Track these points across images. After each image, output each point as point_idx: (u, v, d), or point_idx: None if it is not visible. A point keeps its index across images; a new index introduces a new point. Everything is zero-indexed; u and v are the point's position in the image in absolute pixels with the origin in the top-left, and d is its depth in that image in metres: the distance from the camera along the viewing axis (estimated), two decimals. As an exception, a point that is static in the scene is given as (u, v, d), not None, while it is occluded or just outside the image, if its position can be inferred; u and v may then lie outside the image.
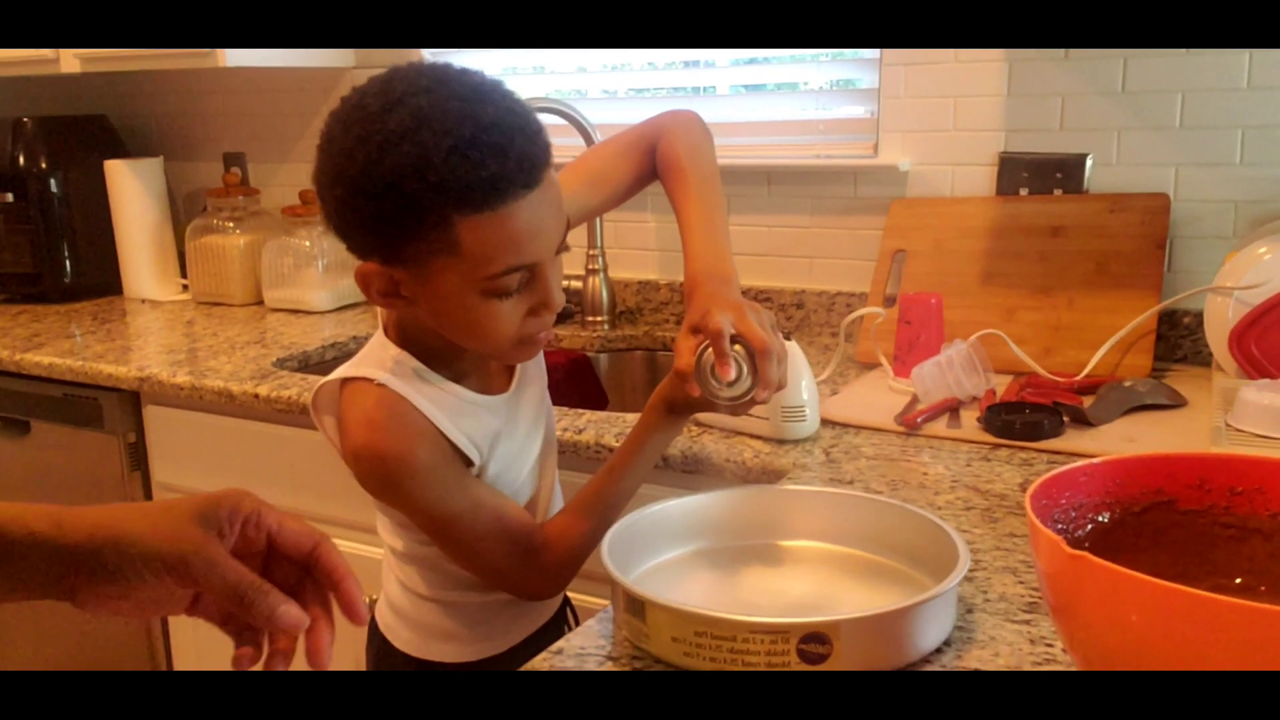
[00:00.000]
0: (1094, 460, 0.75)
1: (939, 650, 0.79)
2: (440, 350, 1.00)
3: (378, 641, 1.16)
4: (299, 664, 0.64)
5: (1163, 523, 0.76)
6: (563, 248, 0.96)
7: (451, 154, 0.84)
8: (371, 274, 0.93)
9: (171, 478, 1.82)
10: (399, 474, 0.96)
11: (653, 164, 1.21)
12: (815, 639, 0.73)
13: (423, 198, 0.85)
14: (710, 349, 0.94)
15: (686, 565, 0.95)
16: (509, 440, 1.05)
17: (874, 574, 0.92)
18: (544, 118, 0.95)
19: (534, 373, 1.12)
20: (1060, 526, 0.73)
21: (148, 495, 1.86)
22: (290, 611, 0.63)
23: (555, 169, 0.94)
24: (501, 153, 0.86)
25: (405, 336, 1.01)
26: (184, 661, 1.89)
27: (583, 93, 2.15)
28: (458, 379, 1.01)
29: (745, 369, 0.93)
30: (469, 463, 1.01)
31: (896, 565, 0.92)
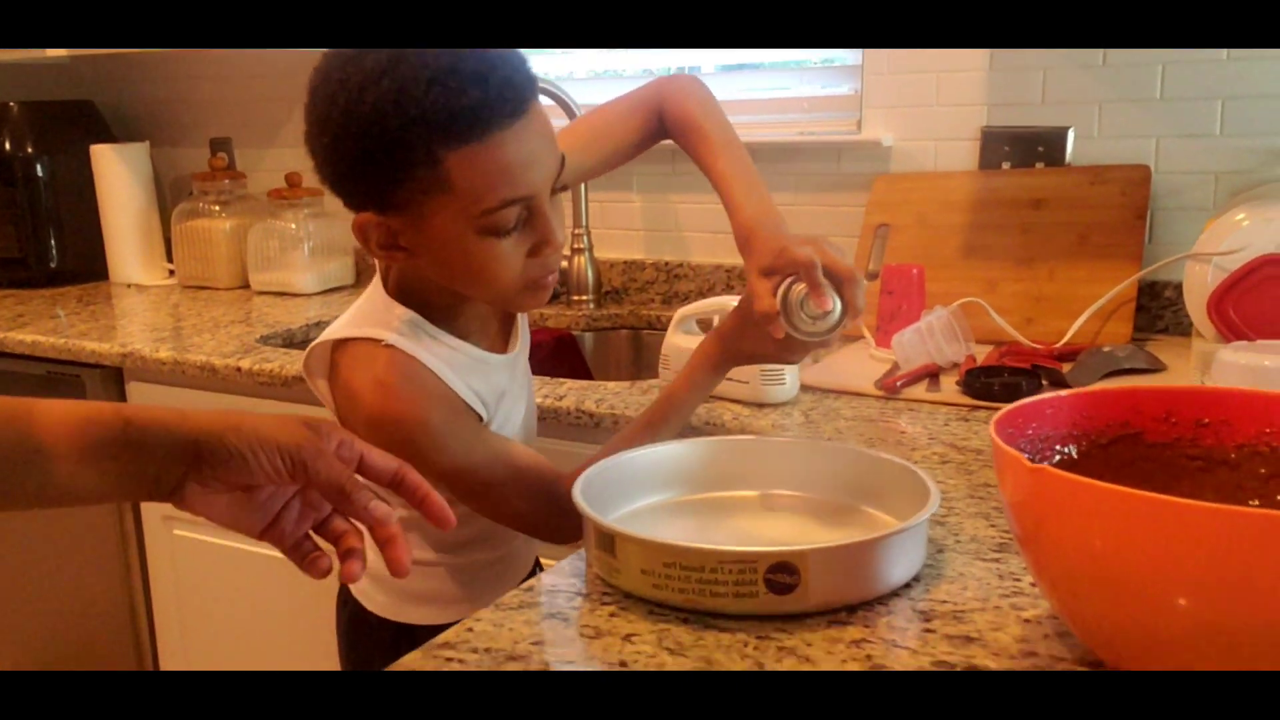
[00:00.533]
0: (1061, 393, 0.75)
1: (908, 585, 0.79)
2: (444, 306, 0.98)
3: (351, 607, 1.15)
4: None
5: (1130, 455, 0.76)
6: (560, 186, 0.94)
7: (431, 85, 0.82)
8: (369, 225, 0.91)
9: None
10: (419, 438, 0.94)
11: (659, 124, 1.19)
12: (783, 569, 0.73)
13: (406, 133, 0.83)
14: (794, 286, 0.94)
15: (660, 512, 0.94)
16: (512, 400, 1.06)
17: (848, 518, 0.91)
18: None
19: (525, 338, 1.12)
20: (1027, 458, 0.73)
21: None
22: (381, 506, 0.70)
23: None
24: (482, 80, 0.83)
25: (406, 292, 0.98)
26: (170, 662, 1.89)
27: (571, 74, 2.15)
28: (464, 337, 1.00)
29: (837, 299, 0.93)
30: (479, 419, 1.01)
31: (871, 510, 0.91)
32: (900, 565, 0.78)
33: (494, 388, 1.02)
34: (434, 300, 0.98)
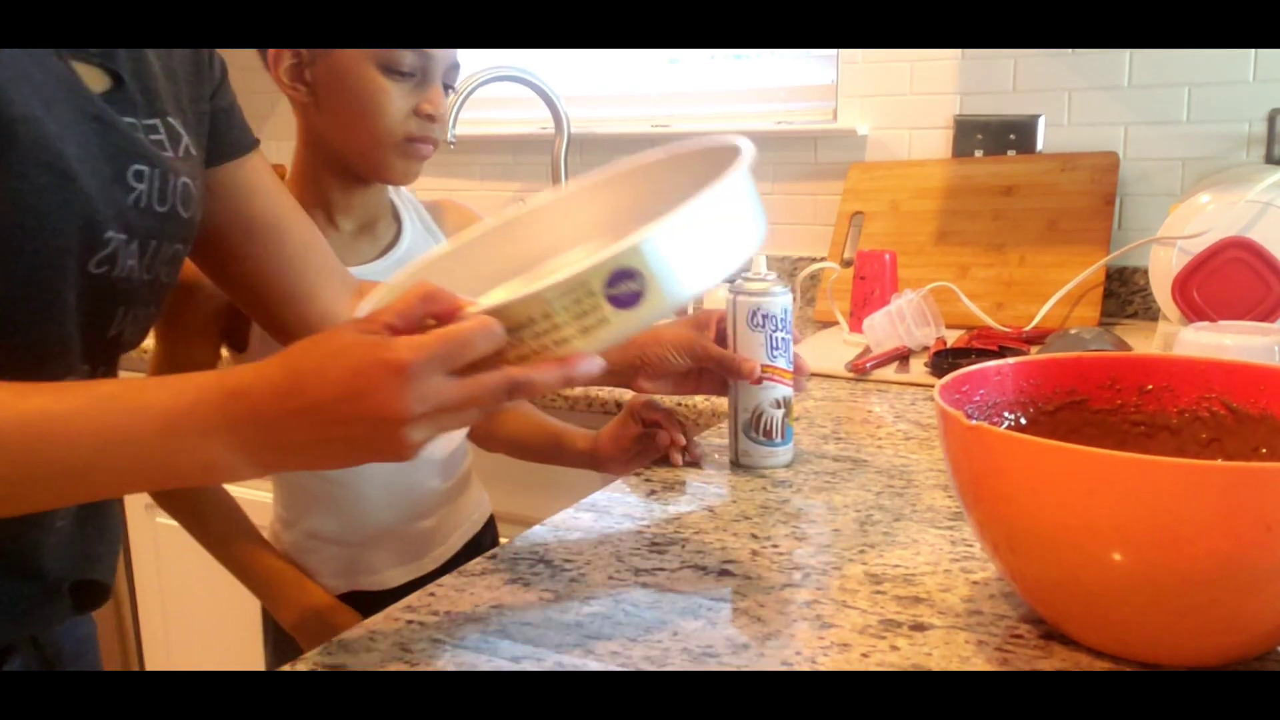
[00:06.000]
0: (1008, 361, 0.77)
1: (862, 551, 0.81)
2: (316, 209, 1.07)
3: None
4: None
5: (1076, 421, 0.78)
6: (450, 85, 1.06)
7: None
8: (283, 53, 1.02)
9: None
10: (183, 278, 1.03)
11: None
12: (622, 277, 0.60)
13: None
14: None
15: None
16: None
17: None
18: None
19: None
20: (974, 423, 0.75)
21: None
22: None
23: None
24: None
25: (302, 182, 1.09)
26: (155, 661, 1.90)
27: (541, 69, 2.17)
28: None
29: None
30: None
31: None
32: (747, 229, 0.66)
33: None
34: (325, 190, 1.08)
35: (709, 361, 0.98)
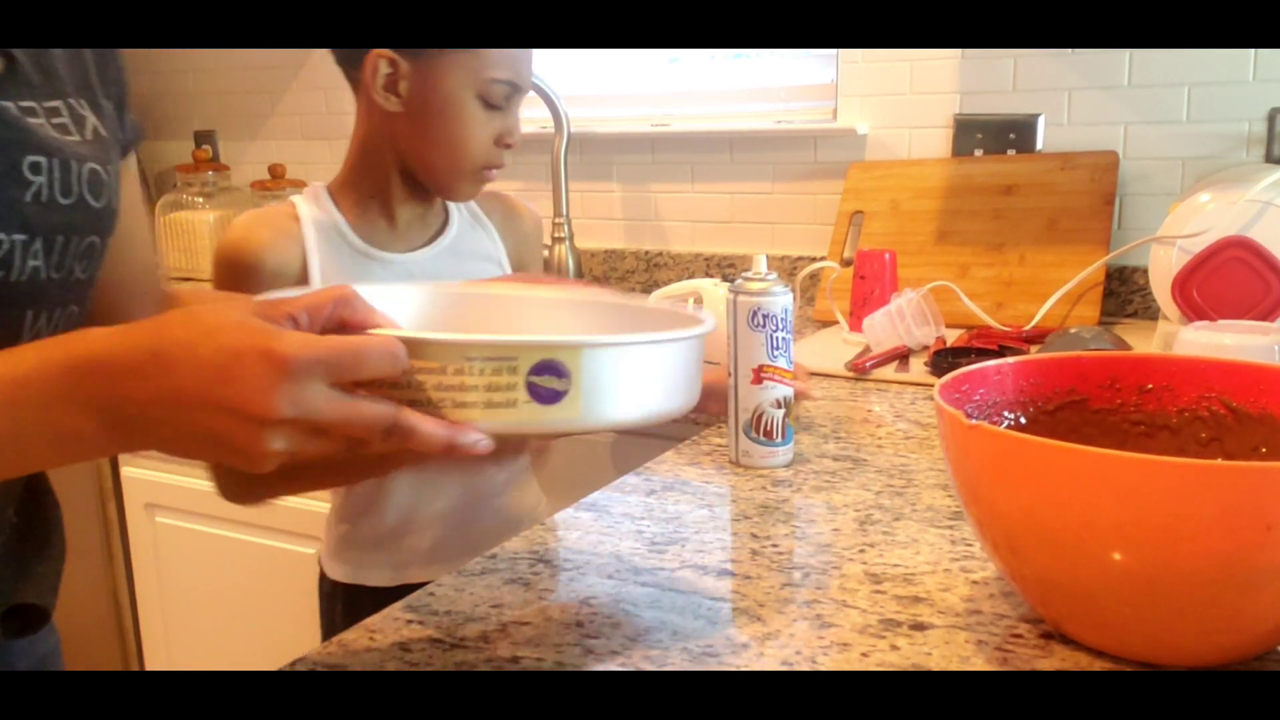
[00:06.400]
0: (1007, 360, 0.77)
1: (861, 550, 0.81)
2: (372, 199, 1.09)
3: (320, 577, 1.20)
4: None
5: (1076, 421, 0.78)
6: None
7: None
8: (380, 60, 1.02)
9: (137, 443, 1.83)
10: (224, 259, 1.04)
11: None
12: (551, 369, 0.57)
13: None
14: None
15: None
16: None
17: None
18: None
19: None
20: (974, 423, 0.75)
21: (114, 461, 1.87)
22: None
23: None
24: None
25: (351, 178, 1.09)
26: (155, 661, 1.90)
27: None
28: (366, 238, 1.09)
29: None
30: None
31: None
32: (691, 381, 0.65)
33: (358, 278, 1.06)
34: (373, 187, 1.09)
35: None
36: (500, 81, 1.03)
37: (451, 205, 1.16)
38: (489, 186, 1.20)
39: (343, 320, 0.56)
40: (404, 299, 0.76)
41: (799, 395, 1.08)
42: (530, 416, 0.57)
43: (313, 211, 1.08)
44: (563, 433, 0.62)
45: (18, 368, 0.54)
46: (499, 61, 1.03)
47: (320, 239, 1.06)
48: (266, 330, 0.53)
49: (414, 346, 0.55)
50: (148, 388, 0.53)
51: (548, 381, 0.57)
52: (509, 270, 1.18)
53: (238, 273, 1.03)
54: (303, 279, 1.05)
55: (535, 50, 1.08)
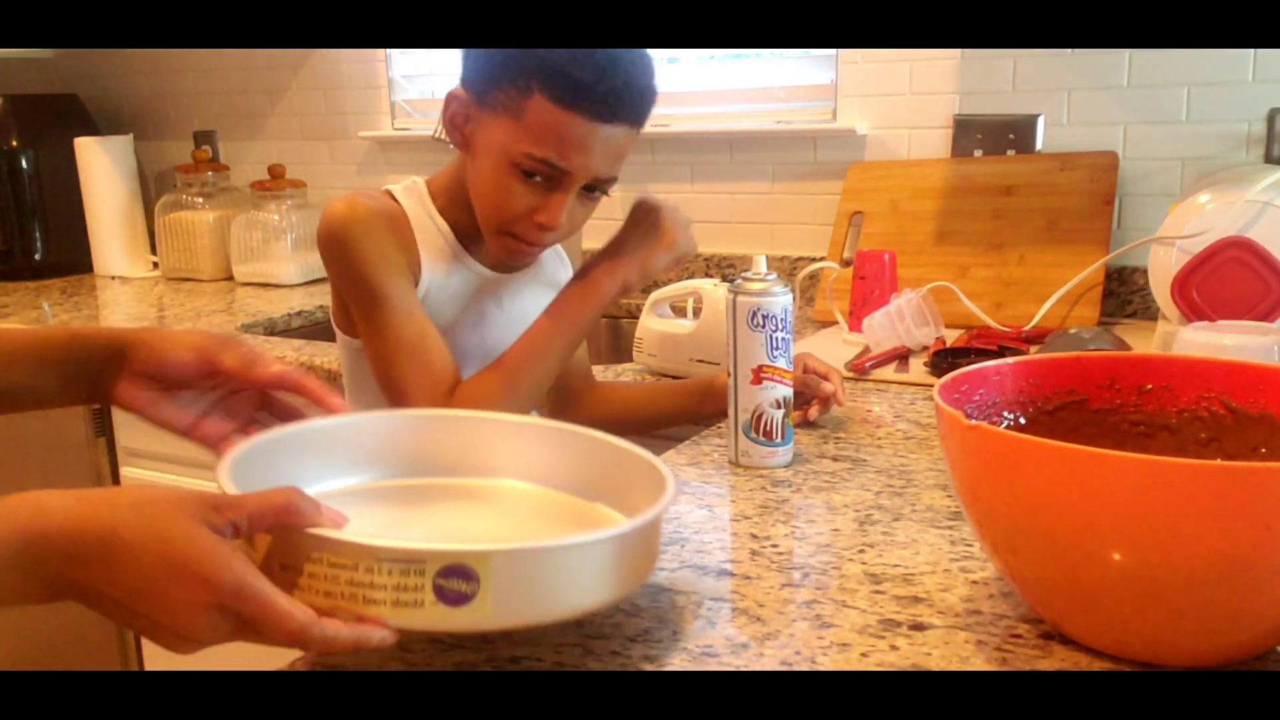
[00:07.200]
0: (1007, 360, 0.77)
1: (861, 551, 0.81)
2: (466, 209, 1.09)
3: None
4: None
5: (1075, 421, 0.78)
6: (598, 189, 1.06)
7: (568, 50, 0.98)
8: (458, 99, 1.05)
9: (136, 443, 1.83)
10: (350, 228, 1.04)
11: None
12: (458, 573, 0.58)
13: (526, 63, 0.99)
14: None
15: (353, 499, 0.76)
16: (472, 318, 1.11)
17: (580, 517, 0.77)
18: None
19: (528, 303, 1.15)
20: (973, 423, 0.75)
21: (113, 463, 1.87)
22: (287, 366, 0.79)
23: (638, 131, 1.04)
24: (603, 72, 0.98)
25: (452, 184, 1.11)
26: (154, 662, 1.90)
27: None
28: (462, 240, 1.11)
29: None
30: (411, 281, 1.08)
31: (607, 510, 0.77)
32: (606, 581, 0.64)
33: (452, 286, 1.10)
34: (457, 213, 1.10)
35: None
36: (531, 158, 1.00)
37: None
38: None
39: (285, 527, 0.60)
40: (391, 424, 0.82)
41: (832, 399, 1.12)
42: (437, 617, 0.59)
43: (415, 208, 1.10)
44: (475, 632, 0.65)
45: None
46: (536, 140, 0.99)
47: (424, 236, 1.09)
48: (206, 555, 0.56)
49: (330, 545, 0.59)
50: (94, 577, 0.57)
51: (455, 585, 0.58)
52: None
53: (370, 223, 1.04)
54: (410, 262, 1.07)
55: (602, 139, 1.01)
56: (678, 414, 1.25)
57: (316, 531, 0.59)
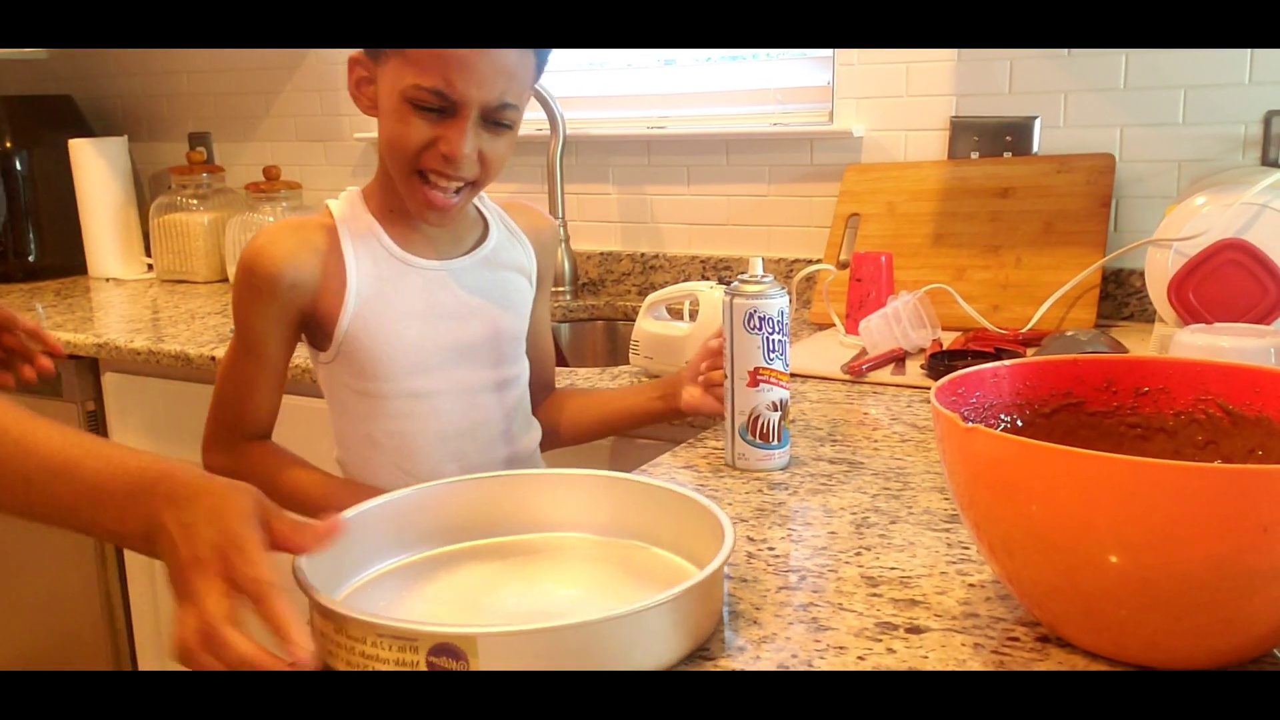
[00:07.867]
0: (1004, 363, 0.77)
1: (857, 554, 0.81)
2: (397, 204, 1.08)
3: None
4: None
5: (1072, 424, 0.78)
6: (502, 121, 1.02)
7: None
8: (358, 60, 1.05)
9: (132, 443, 1.82)
10: (246, 267, 1.05)
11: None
12: (447, 652, 0.63)
13: None
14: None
15: (419, 571, 0.82)
16: (427, 317, 1.07)
17: (648, 571, 0.80)
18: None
19: (487, 284, 1.13)
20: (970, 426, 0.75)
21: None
22: None
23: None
24: None
25: (380, 181, 1.10)
26: (147, 662, 1.89)
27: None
28: (402, 244, 1.09)
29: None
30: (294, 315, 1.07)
31: (665, 554, 0.81)
32: (608, 657, 0.65)
33: (404, 286, 1.07)
34: (392, 200, 1.08)
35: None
36: (423, 88, 0.98)
37: (490, 216, 1.15)
38: (505, 198, 1.19)
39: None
40: (429, 501, 0.86)
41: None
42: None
43: (348, 218, 1.07)
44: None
45: (100, 474, 0.70)
46: (422, 71, 0.97)
47: (359, 246, 1.06)
48: (243, 557, 0.67)
49: (340, 620, 0.67)
50: (174, 517, 0.68)
51: (445, 663, 0.64)
52: (535, 281, 1.17)
53: (254, 281, 1.04)
54: (325, 289, 1.04)
55: (481, 60, 0.99)
56: (638, 414, 1.21)
57: (339, 609, 0.67)
